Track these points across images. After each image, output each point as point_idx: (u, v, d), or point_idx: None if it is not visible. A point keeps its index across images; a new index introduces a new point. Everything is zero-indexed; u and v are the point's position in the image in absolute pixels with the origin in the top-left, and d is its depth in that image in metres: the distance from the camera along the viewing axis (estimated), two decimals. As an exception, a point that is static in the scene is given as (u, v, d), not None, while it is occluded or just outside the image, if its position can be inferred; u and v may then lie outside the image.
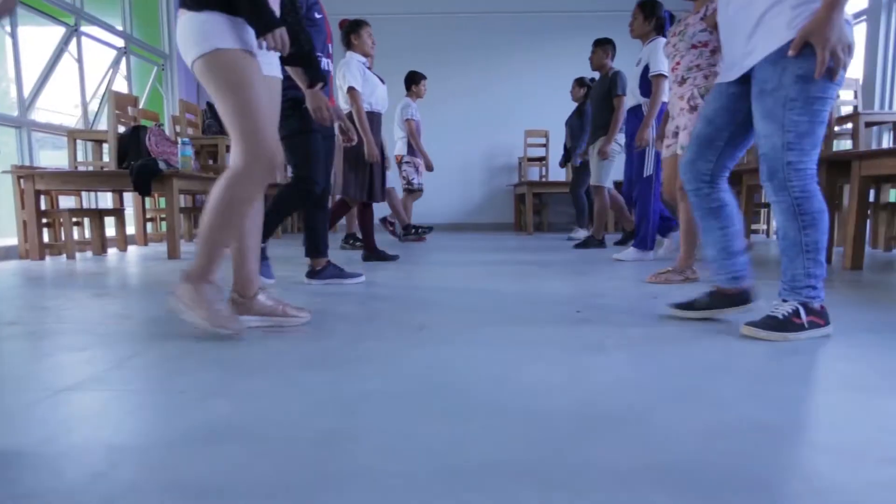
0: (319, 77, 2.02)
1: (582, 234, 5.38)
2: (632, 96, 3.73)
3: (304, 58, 1.89)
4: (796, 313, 1.58)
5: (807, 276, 1.58)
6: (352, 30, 3.50)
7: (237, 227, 1.64)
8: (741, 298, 1.82)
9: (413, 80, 5.31)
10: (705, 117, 1.77)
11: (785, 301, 1.61)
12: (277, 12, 1.65)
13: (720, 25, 1.74)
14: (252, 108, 1.54)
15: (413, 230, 5.35)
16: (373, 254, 3.69)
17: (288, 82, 2.14)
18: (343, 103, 3.46)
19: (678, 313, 1.87)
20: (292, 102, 2.42)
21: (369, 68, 3.57)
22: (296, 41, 1.75)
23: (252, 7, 1.51)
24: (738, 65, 1.65)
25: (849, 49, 1.47)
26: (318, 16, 2.48)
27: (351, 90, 3.38)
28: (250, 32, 1.58)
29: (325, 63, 2.49)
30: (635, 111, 3.69)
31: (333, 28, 2.81)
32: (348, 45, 3.48)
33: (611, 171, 4.51)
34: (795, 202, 1.55)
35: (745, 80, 1.65)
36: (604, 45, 4.46)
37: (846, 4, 1.43)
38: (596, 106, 4.53)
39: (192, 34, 1.53)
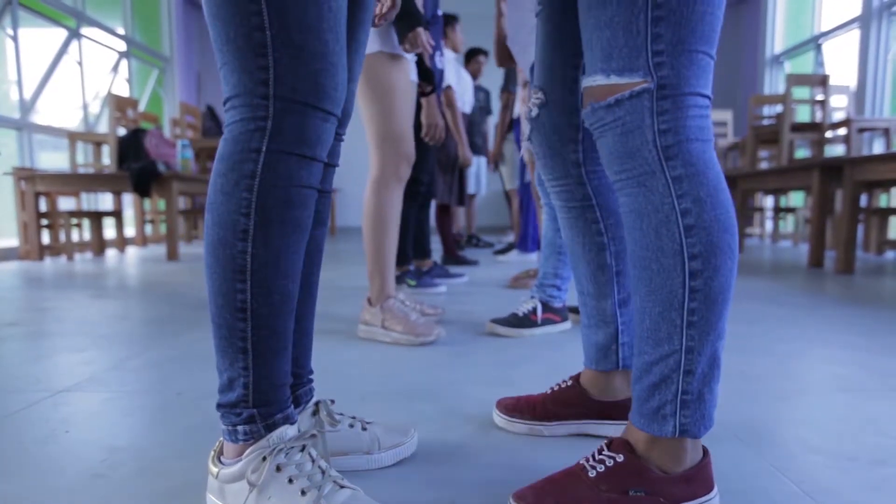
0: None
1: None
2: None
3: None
4: (534, 311, 1.72)
5: (555, 275, 1.74)
6: (448, 23, 3.29)
7: (394, 232, 1.68)
8: None
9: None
10: None
11: (532, 297, 1.76)
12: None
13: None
14: (394, 113, 1.60)
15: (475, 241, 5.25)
16: (451, 257, 3.59)
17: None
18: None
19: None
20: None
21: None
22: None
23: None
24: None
25: None
26: (439, 13, 2.40)
27: (448, 89, 3.17)
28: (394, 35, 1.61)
29: (438, 61, 2.45)
30: (517, 122, 3.73)
31: None
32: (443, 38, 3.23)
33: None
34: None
35: None
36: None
37: None
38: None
39: None
